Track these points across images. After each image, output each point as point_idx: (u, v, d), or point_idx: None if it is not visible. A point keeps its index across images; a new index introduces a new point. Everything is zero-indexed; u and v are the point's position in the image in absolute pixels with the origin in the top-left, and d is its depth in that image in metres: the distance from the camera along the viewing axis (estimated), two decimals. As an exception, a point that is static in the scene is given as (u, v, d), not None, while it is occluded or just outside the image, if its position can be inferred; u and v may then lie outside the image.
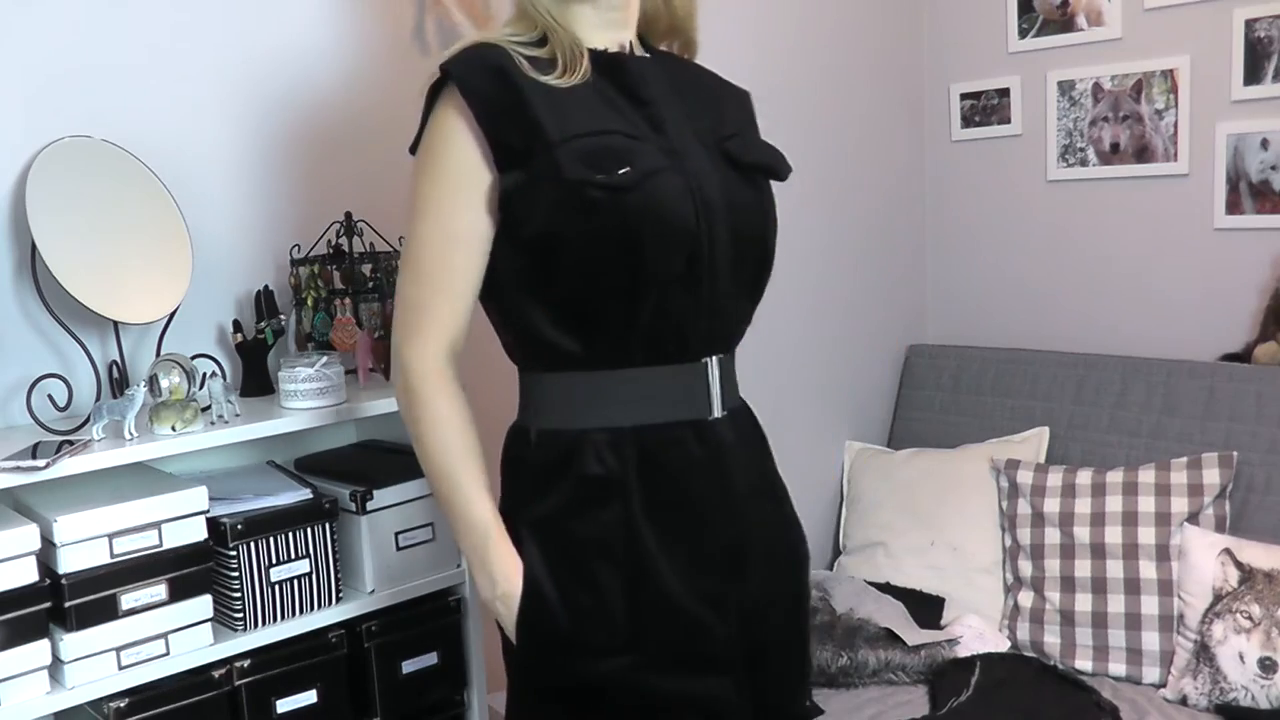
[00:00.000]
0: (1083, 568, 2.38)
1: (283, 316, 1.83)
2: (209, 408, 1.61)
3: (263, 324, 1.80)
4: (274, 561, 1.63)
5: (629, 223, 1.21)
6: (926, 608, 2.51)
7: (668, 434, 1.28)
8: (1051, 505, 2.46)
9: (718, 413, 1.32)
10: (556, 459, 1.28)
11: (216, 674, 1.56)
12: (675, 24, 1.41)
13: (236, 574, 1.59)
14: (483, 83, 1.24)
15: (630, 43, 1.35)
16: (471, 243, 1.26)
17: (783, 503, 1.45)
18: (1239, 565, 2.18)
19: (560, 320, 1.26)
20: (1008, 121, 2.92)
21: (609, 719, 1.28)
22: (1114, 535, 2.36)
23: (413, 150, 1.31)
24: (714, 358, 1.31)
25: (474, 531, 1.27)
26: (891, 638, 2.36)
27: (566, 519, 1.27)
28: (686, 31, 1.42)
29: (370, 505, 1.72)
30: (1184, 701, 2.17)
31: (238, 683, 1.58)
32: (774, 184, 1.43)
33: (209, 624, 1.56)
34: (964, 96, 3.00)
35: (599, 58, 1.30)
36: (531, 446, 1.30)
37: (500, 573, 1.26)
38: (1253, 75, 2.49)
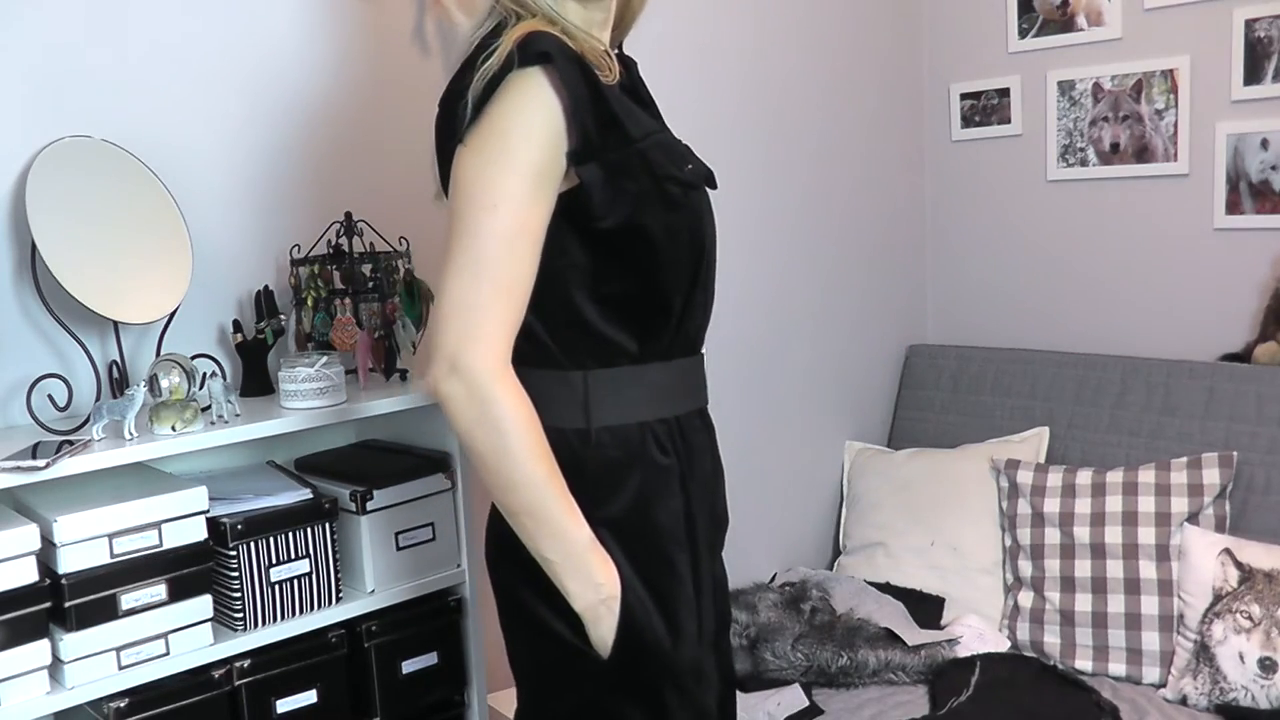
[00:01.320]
0: (1083, 568, 2.38)
1: (283, 316, 1.83)
2: (209, 408, 1.61)
3: (263, 324, 1.80)
4: (274, 561, 1.63)
5: (696, 217, 1.30)
6: (926, 608, 2.51)
7: (692, 422, 1.36)
8: (1051, 505, 2.46)
9: (708, 399, 1.42)
10: (623, 455, 1.28)
11: (216, 674, 1.57)
12: (626, 21, 1.42)
13: (236, 574, 1.59)
14: (571, 72, 1.20)
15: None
16: (540, 236, 1.20)
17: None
18: (1239, 565, 2.18)
19: (615, 315, 1.26)
20: (1008, 121, 2.92)
21: (680, 700, 1.30)
22: (1114, 535, 2.36)
23: (460, 141, 1.22)
24: (704, 348, 1.41)
25: (569, 539, 1.22)
26: (891, 638, 2.36)
27: (643, 513, 1.28)
28: (630, 27, 1.44)
29: (370, 505, 1.72)
30: (1184, 701, 2.17)
31: (238, 683, 1.58)
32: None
33: (209, 624, 1.56)
34: (964, 96, 3.00)
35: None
36: (592, 445, 1.27)
37: (604, 577, 1.23)
38: (1253, 75, 2.49)
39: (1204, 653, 2.16)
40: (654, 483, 1.29)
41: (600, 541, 1.25)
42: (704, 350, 1.41)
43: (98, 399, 1.64)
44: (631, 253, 1.24)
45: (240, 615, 1.60)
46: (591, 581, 1.23)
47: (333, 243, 1.91)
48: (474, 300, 1.17)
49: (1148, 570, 2.31)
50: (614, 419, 1.28)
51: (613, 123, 1.23)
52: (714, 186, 1.40)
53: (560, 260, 1.23)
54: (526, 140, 1.18)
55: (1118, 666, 2.31)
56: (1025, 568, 2.48)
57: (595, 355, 1.27)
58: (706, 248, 1.33)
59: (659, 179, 1.25)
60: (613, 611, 1.24)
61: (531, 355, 1.28)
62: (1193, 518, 2.32)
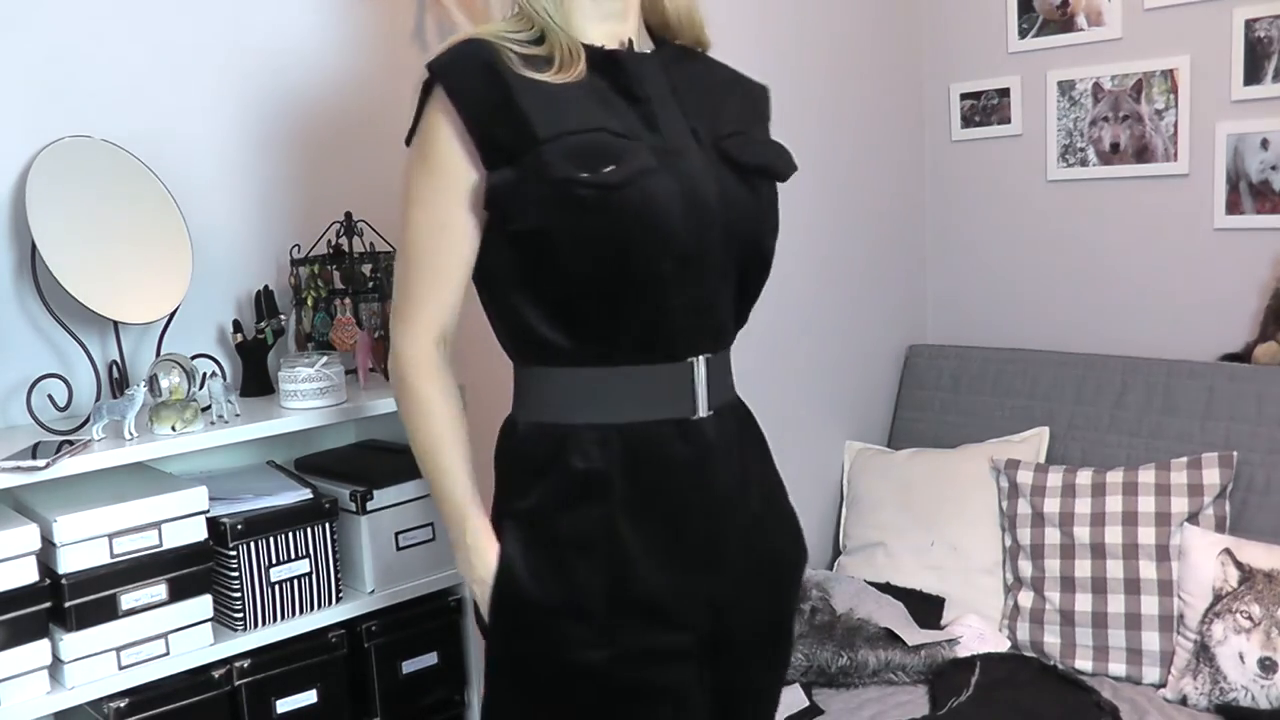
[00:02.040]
0: (1083, 568, 2.38)
1: (283, 316, 1.83)
2: (209, 408, 1.61)
3: (263, 324, 1.80)
4: (274, 561, 1.63)
5: (616, 222, 1.22)
6: (926, 608, 2.51)
7: (653, 432, 1.28)
8: (1051, 505, 2.46)
9: (703, 412, 1.31)
10: (543, 453, 1.29)
11: (216, 674, 1.56)
12: (668, 20, 1.38)
13: (236, 574, 1.59)
14: (470, 81, 1.24)
15: (630, 38, 1.33)
16: (459, 232, 1.27)
17: (773, 501, 1.45)
18: (1239, 565, 2.18)
19: (550, 316, 1.27)
20: (1008, 121, 2.92)
21: (579, 707, 1.30)
22: (1114, 535, 2.36)
23: (408, 141, 1.32)
24: (701, 357, 1.31)
25: (454, 513, 1.31)
26: (891, 638, 2.36)
27: (549, 513, 1.28)
28: (686, 28, 1.39)
29: (370, 505, 1.72)
30: (1184, 701, 2.17)
31: (238, 683, 1.58)
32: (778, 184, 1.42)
33: (209, 624, 1.56)
34: (964, 96, 3.00)
35: (596, 55, 1.29)
36: (519, 439, 1.32)
37: (477, 555, 1.30)
38: (1253, 75, 2.49)
39: (1204, 653, 2.16)
40: (565, 487, 1.28)
41: (503, 531, 1.30)
42: (697, 358, 1.30)
43: (98, 399, 1.64)
44: (544, 256, 1.25)
45: (240, 615, 1.60)
46: (467, 562, 1.31)
47: (333, 243, 1.91)
48: (404, 287, 1.31)
49: (1148, 570, 2.31)
50: (540, 417, 1.31)
51: (522, 125, 1.23)
52: (779, 179, 1.39)
53: (495, 260, 1.28)
54: (431, 145, 1.27)
55: (1118, 666, 2.31)
56: (1025, 568, 2.48)
57: (536, 354, 1.30)
58: (636, 251, 1.23)
59: (561, 182, 1.21)
60: (484, 592, 1.30)
61: (504, 349, 1.36)
62: (1193, 518, 2.32)
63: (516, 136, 1.23)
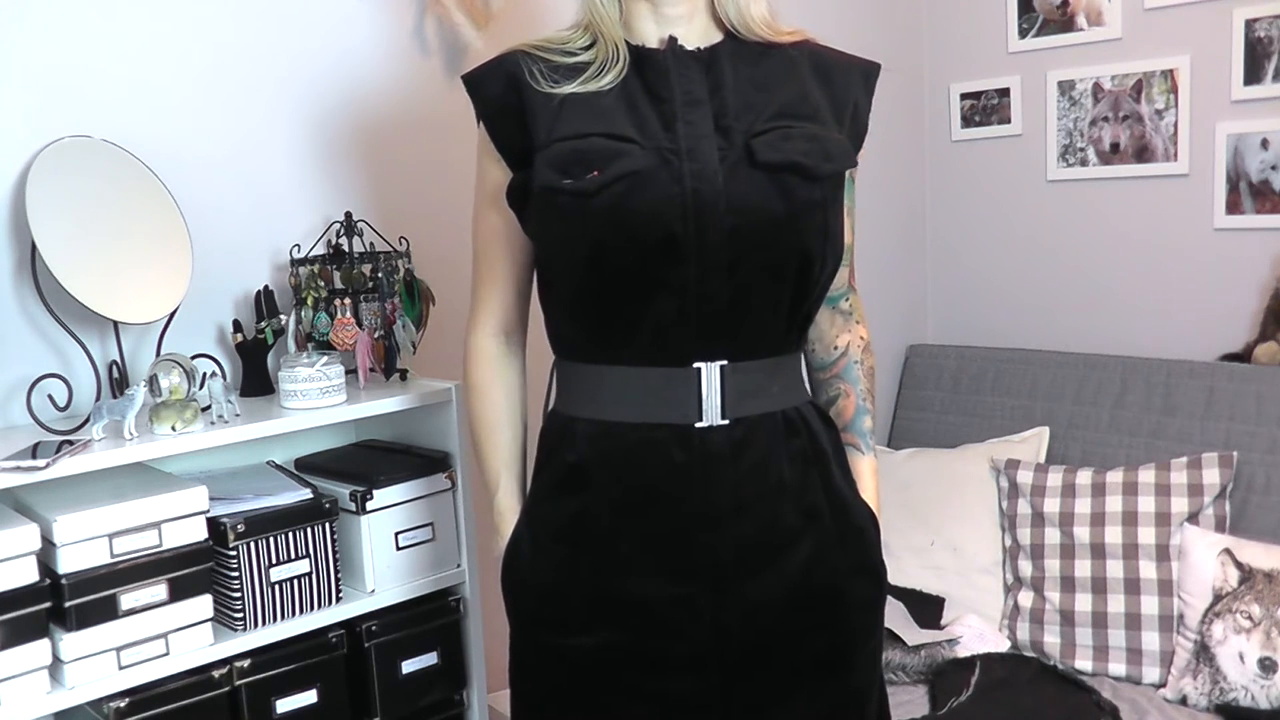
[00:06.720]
0: (1083, 568, 2.38)
1: (283, 316, 1.83)
2: (209, 408, 1.61)
3: (263, 324, 1.80)
4: (274, 561, 1.63)
5: (593, 227, 1.22)
6: (926, 608, 2.51)
7: (648, 435, 1.26)
8: (1051, 505, 2.46)
9: (710, 420, 1.25)
10: (550, 442, 1.35)
11: (216, 674, 1.57)
12: (730, 16, 1.32)
13: (236, 574, 1.59)
14: (493, 90, 1.31)
15: (671, 35, 1.29)
16: (500, 232, 1.36)
17: (822, 524, 1.32)
18: (1239, 565, 2.18)
19: (564, 313, 1.32)
20: (1008, 121, 2.92)
21: (560, 690, 1.33)
22: (1114, 535, 2.36)
23: None
24: (713, 365, 1.25)
25: (488, 486, 1.41)
26: (891, 637, 2.36)
27: (541, 500, 1.35)
28: (744, 23, 1.32)
29: (370, 505, 1.72)
30: (1184, 701, 2.17)
31: (238, 683, 1.58)
32: None
33: (209, 624, 1.56)
34: (964, 96, 3.00)
35: (636, 54, 1.29)
36: (542, 428, 1.38)
37: (497, 529, 1.39)
38: (1253, 75, 2.49)
39: (1204, 653, 2.16)
40: (557, 477, 1.33)
41: (522, 512, 1.38)
42: (707, 365, 1.24)
43: (98, 399, 1.64)
44: (544, 258, 1.32)
45: (240, 615, 1.60)
46: (495, 534, 1.40)
47: (333, 243, 1.91)
48: (474, 285, 1.42)
49: (1148, 570, 2.31)
50: (558, 407, 1.36)
51: (528, 134, 1.28)
52: (810, 177, 1.29)
53: (534, 257, 1.36)
54: (478, 152, 1.37)
55: (1118, 666, 2.31)
56: (1025, 568, 2.48)
57: (560, 347, 1.36)
58: (612, 256, 1.22)
59: (544, 190, 1.23)
60: (497, 565, 1.39)
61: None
62: (1193, 518, 2.32)
63: (525, 144, 1.28)
